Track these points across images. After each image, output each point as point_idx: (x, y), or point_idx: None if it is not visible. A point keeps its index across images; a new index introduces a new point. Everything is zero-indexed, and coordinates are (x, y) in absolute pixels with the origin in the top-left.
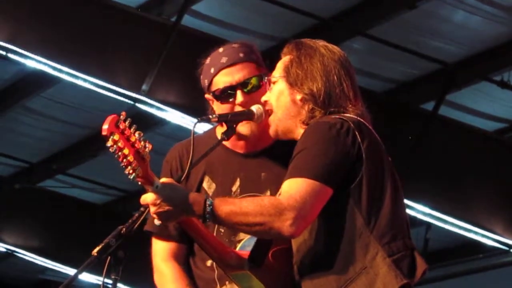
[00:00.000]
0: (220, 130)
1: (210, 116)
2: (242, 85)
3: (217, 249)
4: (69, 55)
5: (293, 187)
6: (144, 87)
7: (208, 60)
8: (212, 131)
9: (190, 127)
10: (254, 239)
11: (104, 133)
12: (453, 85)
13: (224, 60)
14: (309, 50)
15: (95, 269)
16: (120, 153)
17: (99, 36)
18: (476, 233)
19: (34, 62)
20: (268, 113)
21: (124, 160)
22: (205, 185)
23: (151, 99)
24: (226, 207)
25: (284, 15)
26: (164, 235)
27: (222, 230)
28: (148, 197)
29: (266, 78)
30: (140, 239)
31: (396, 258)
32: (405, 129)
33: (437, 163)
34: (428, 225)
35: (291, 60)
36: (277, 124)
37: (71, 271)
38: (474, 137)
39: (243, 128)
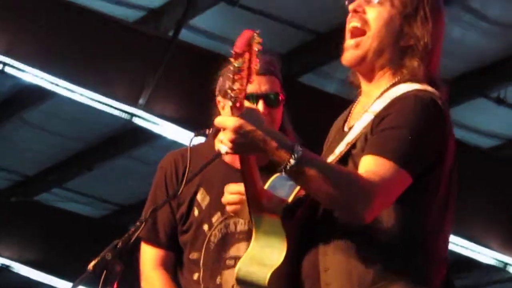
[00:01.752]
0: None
1: (207, 130)
2: (266, 96)
3: (255, 188)
4: (66, 69)
5: (383, 170)
6: (141, 101)
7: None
8: (209, 142)
9: (187, 141)
10: (284, 180)
11: (237, 50)
12: (449, 101)
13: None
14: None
15: (91, 283)
16: (237, 77)
17: (96, 50)
18: (472, 249)
19: (31, 76)
20: (356, 30)
21: (237, 84)
22: (199, 197)
23: (148, 113)
24: (315, 167)
25: (282, 30)
26: (154, 241)
27: (212, 244)
28: (230, 121)
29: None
30: (136, 254)
31: (441, 280)
32: None
33: None
34: None
35: None
36: (368, 52)
37: (66, 285)
38: (470, 154)
39: None
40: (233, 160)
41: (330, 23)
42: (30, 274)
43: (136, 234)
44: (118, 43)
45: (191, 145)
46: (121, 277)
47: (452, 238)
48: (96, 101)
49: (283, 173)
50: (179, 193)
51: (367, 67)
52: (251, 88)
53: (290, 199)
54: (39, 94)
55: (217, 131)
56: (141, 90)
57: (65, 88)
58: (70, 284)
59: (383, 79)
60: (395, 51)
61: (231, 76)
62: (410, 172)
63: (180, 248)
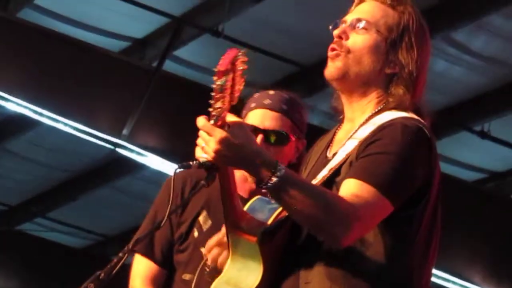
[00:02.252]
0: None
1: (191, 163)
2: (266, 133)
3: (234, 208)
4: (50, 98)
5: (365, 196)
6: (124, 131)
7: (255, 95)
8: None
9: (171, 172)
10: (265, 203)
11: (221, 68)
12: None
13: (266, 102)
14: (419, 23)
15: None
16: (219, 95)
17: (80, 80)
18: (454, 283)
19: (15, 105)
20: (338, 50)
21: (220, 102)
22: (201, 219)
23: (131, 143)
24: (296, 186)
25: (265, 62)
26: (148, 255)
27: (207, 268)
28: (218, 132)
29: (289, 137)
30: (118, 286)
31: None
32: None
33: None
34: None
35: (404, 25)
36: (349, 71)
37: None
38: (454, 187)
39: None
40: (239, 187)
41: (314, 55)
42: None
43: (119, 265)
44: (103, 73)
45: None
46: None
47: (434, 271)
48: (80, 131)
49: (269, 185)
50: (162, 224)
51: (349, 87)
52: (253, 120)
53: (269, 222)
54: (22, 123)
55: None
56: (125, 121)
57: (49, 117)
58: None
59: (368, 105)
60: (380, 78)
61: (213, 94)
62: (391, 200)
63: (173, 267)
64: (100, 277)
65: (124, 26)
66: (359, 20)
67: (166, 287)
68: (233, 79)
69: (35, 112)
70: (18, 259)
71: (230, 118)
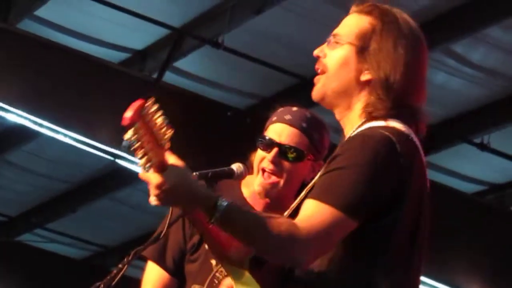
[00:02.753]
0: (247, 180)
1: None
2: (281, 147)
3: (220, 241)
4: (50, 110)
5: (316, 214)
6: (124, 143)
7: (279, 110)
8: (237, 183)
9: None
10: None
11: (125, 122)
12: (433, 147)
13: (287, 117)
14: (393, 25)
15: None
16: (138, 144)
17: (80, 91)
18: None
19: (15, 116)
20: (319, 72)
21: (142, 151)
22: None
23: (131, 155)
24: (238, 219)
25: (266, 73)
26: (160, 263)
27: (217, 281)
28: (153, 178)
29: (305, 155)
30: None
31: None
32: None
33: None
34: None
35: (373, 30)
36: (327, 90)
37: None
38: (453, 199)
39: (256, 187)
40: (255, 203)
41: (314, 67)
42: None
43: (119, 276)
44: (103, 84)
45: None
46: None
47: (433, 283)
48: (80, 142)
49: (212, 221)
50: (161, 235)
51: (333, 104)
52: (271, 133)
53: None
54: (22, 134)
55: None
56: (125, 132)
57: (49, 128)
58: None
59: (355, 118)
60: (359, 88)
61: (132, 149)
62: (350, 215)
63: (184, 277)
64: None
65: (124, 37)
66: (333, 35)
67: None
68: (146, 126)
69: (35, 123)
70: (18, 270)
71: (171, 160)
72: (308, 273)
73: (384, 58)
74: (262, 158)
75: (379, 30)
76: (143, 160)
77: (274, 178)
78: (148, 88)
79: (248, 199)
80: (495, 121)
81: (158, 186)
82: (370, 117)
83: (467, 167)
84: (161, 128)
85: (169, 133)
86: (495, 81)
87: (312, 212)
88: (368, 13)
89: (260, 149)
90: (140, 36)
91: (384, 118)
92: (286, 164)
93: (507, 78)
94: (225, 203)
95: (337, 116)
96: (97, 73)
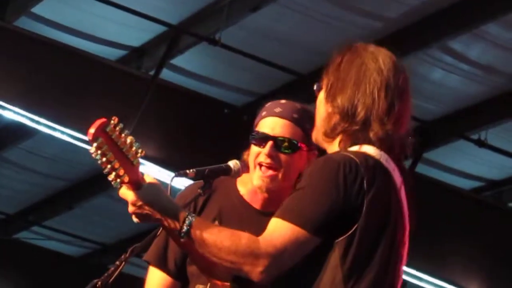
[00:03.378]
0: (242, 179)
1: (188, 171)
2: (275, 139)
3: (206, 259)
4: (47, 107)
5: (277, 231)
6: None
7: (267, 105)
8: (232, 180)
9: (167, 181)
10: None
11: (89, 137)
12: (430, 143)
13: (277, 110)
14: (353, 55)
15: None
16: (104, 159)
17: (77, 88)
18: None
19: (12, 113)
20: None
21: (108, 166)
22: None
23: None
24: (203, 233)
25: (263, 70)
26: (162, 267)
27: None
28: (128, 195)
29: (299, 145)
30: None
31: None
32: None
33: (413, 221)
34: (404, 282)
35: (332, 66)
36: (315, 133)
37: None
38: (451, 195)
39: (256, 182)
40: (252, 199)
41: (312, 64)
42: None
43: (116, 273)
44: (100, 82)
45: (171, 186)
46: None
47: (431, 279)
48: (77, 139)
49: (182, 239)
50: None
51: (325, 145)
52: (264, 127)
53: None
54: (20, 132)
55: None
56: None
57: (46, 126)
58: None
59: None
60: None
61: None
62: (311, 231)
63: (187, 279)
64: (97, 286)
65: (121, 35)
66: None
67: None
68: (111, 143)
69: (32, 120)
70: (15, 267)
71: (148, 179)
72: None
73: (336, 87)
74: (257, 153)
75: (336, 65)
76: (111, 176)
77: (272, 172)
78: (146, 85)
79: (245, 197)
80: (493, 117)
81: (133, 203)
82: (344, 145)
83: (464, 163)
84: (131, 147)
85: (141, 153)
86: (492, 77)
87: (274, 229)
88: (334, 56)
89: (254, 144)
90: (137, 34)
91: (359, 144)
92: (283, 156)
93: (504, 74)
94: (193, 218)
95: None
96: (94, 71)
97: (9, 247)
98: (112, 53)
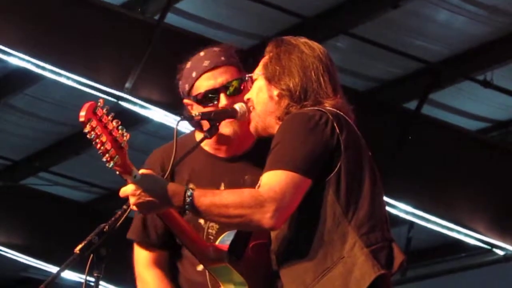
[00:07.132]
0: (199, 136)
1: (193, 114)
2: (225, 88)
3: (197, 243)
4: (52, 52)
5: (272, 179)
6: (127, 85)
7: (188, 65)
8: (190, 136)
9: (173, 125)
10: (233, 234)
11: (81, 119)
12: (436, 84)
13: (206, 63)
14: (289, 46)
15: (78, 267)
16: (97, 140)
17: (82, 33)
18: (458, 232)
19: (17, 59)
20: (250, 110)
21: (102, 147)
22: None
23: (134, 97)
24: (206, 198)
25: (268, 14)
26: (146, 243)
27: (211, 236)
28: (128, 188)
29: (248, 77)
30: (123, 238)
31: (373, 248)
32: (388, 128)
33: (420, 162)
34: (411, 224)
35: (270, 57)
36: (256, 120)
37: (53, 269)
38: (457, 136)
39: (227, 129)
40: (216, 150)
41: (317, 7)
42: (17, 258)
43: (123, 218)
44: (105, 27)
45: (177, 129)
46: (108, 261)
47: (439, 220)
48: (83, 84)
49: (186, 213)
50: (165, 177)
51: (265, 129)
52: (208, 85)
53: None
54: (25, 78)
55: (203, 116)
56: (128, 74)
57: (51, 71)
58: (57, 268)
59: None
60: (275, 105)
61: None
62: (301, 172)
63: (176, 244)
64: (104, 230)
65: None
66: (250, 77)
67: (176, 263)
68: (101, 125)
69: (37, 66)
70: (22, 213)
71: (142, 171)
72: (287, 251)
73: (280, 72)
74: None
75: (275, 54)
76: (105, 156)
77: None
78: (151, 30)
79: (209, 151)
80: (498, 58)
81: (134, 193)
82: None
83: (470, 104)
84: (117, 130)
85: (126, 136)
86: (497, 18)
87: (268, 179)
88: (269, 50)
89: (206, 106)
90: None
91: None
92: (236, 99)
93: (509, 15)
94: (192, 189)
95: (273, 132)
96: (100, 16)
97: (16, 193)
98: None
